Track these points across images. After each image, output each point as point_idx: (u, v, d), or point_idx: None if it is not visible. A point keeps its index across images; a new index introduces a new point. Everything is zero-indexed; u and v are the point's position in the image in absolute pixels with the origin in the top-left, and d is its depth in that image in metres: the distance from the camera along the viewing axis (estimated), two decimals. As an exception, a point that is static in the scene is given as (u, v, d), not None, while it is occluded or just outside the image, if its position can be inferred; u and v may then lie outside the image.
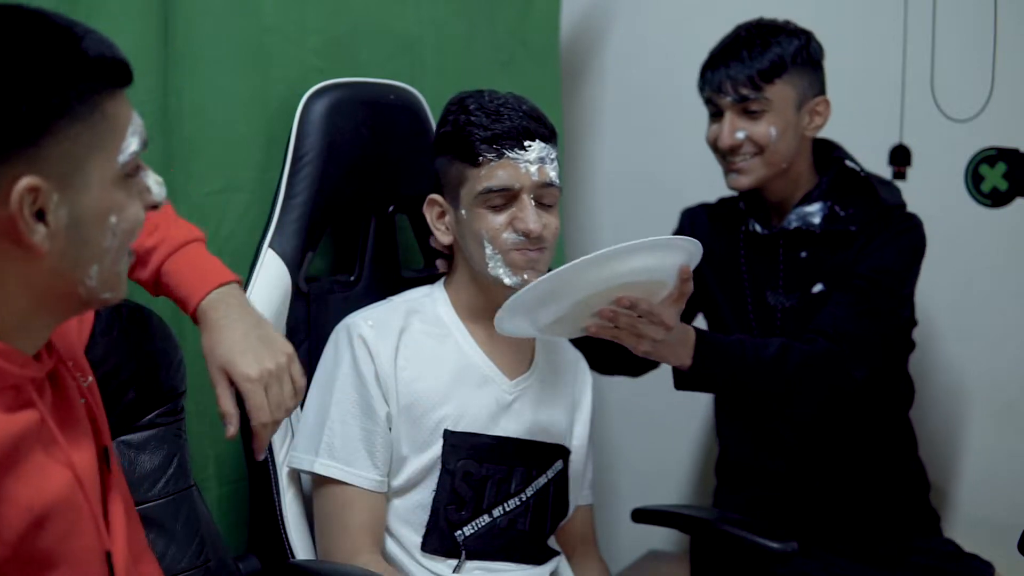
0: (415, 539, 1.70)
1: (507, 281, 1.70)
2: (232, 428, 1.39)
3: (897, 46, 2.36)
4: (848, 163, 2.07)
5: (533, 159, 1.68)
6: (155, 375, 1.43)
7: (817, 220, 2.03)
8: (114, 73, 1.08)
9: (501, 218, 1.69)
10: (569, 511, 1.86)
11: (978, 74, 2.29)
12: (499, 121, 1.68)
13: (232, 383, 1.40)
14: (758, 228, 2.10)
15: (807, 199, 2.05)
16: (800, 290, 2.05)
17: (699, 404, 2.59)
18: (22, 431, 1.05)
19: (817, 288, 2.03)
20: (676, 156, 2.67)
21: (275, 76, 1.86)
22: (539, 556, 1.80)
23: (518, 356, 1.80)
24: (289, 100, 1.83)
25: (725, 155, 2.04)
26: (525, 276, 1.70)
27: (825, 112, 2.06)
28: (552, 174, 1.71)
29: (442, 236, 1.77)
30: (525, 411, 1.78)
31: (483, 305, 1.76)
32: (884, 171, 2.37)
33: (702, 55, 2.61)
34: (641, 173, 2.71)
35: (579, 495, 1.90)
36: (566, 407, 1.85)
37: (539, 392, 1.80)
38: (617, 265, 1.60)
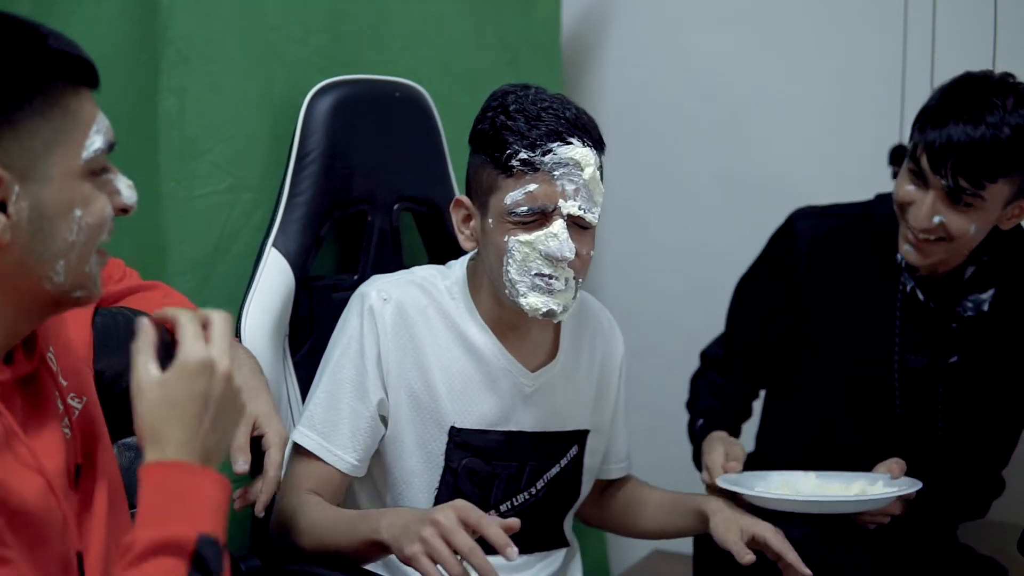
0: None
1: (525, 308, 1.56)
2: (246, 466, 1.38)
3: (897, 46, 2.36)
4: None
5: (572, 174, 1.52)
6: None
7: (987, 307, 1.87)
8: (76, 70, 1.08)
9: (529, 237, 1.53)
10: (582, 493, 1.78)
11: (978, 74, 2.29)
12: (538, 127, 1.52)
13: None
14: (920, 296, 1.88)
15: (980, 283, 1.87)
16: (931, 356, 1.90)
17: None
18: None
19: (953, 359, 1.90)
20: (677, 155, 2.67)
21: (280, 75, 1.86)
22: (545, 544, 1.75)
23: (540, 345, 1.70)
24: (294, 99, 1.84)
25: (909, 224, 1.78)
26: (544, 308, 1.55)
27: None
28: (582, 205, 1.53)
29: (465, 242, 1.62)
30: (545, 402, 1.69)
31: (503, 317, 1.65)
32: (884, 171, 2.37)
33: (702, 54, 2.62)
34: (641, 172, 2.71)
35: (607, 470, 1.84)
36: (591, 385, 1.77)
37: (563, 381, 1.71)
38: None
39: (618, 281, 2.71)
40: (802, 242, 1.95)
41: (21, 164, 1.03)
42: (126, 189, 1.13)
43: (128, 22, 1.70)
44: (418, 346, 1.63)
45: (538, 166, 1.51)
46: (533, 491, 1.71)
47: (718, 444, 1.82)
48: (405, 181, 1.95)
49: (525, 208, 1.52)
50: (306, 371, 1.79)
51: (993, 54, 2.27)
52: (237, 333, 1.68)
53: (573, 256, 1.53)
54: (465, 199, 1.62)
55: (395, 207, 1.95)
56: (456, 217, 1.63)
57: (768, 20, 2.54)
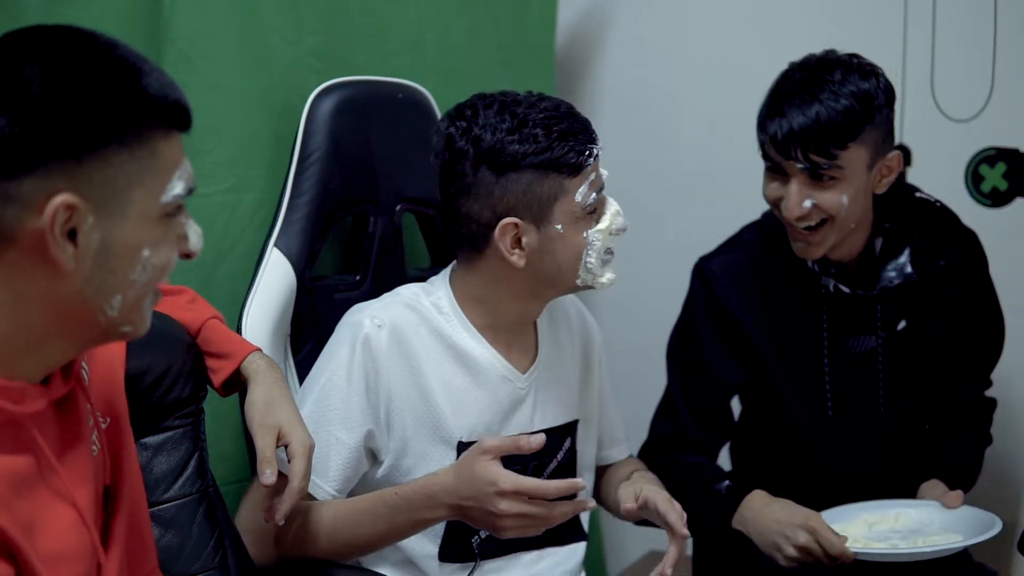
0: (432, 549, 1.67)
1: (605, 283, 1.67)
2: (273, 477, 1.38)
3: (897, 46, 2.36)
4: (919, 195, 1.98)
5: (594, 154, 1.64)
6: (177, 379, 1.43)
7: (910, 269, 1.92)
8: (171, 114, 1.07)
9: (603, 225, 1.64)
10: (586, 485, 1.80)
11: (978, 74, 2.29)
12: (571, 126, 1.61)
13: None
14: (845, 289, 1.92)
15: (893, 249, 1.92)
16: (884, 330, 1.94)
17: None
18: (13, 476, 1.03)
19: (901, 325, 1.94)
20: (673, 157, 2.67)
21: (279, 75, 1.86)
22: (559, 537, 1.76)
23: (526, 347, 1.75)
24: (294, 100, 1.83)
25: (786, 218, 1.83)
26: (615, 276, 1.68)
27: (896, 167, 1.85)
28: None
29: (518, 260, 1.62)
30: (537, 401, 1.74)
31: (495, 324, 1.69)
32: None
33: (700, 55, 2.63)
34: (638, 172, 2.71)
35: (606, 455, 1.90)
36: (576, 376, 1.82)
37: (548, 378, 1.76)
38: None
39: (617, 282, 2.70)
40: (723, 283, 1.94)
41: (100, 197, 1.03)
42: (194, 236, 1.13)
43: (131, 22, 1.69)
44: (416, 367, 1.64)
45: (593, 158, 1.62)
46: None
47: (818, 519, 1.76)
48: (407, 182, 1.95)
49: (594, 196, 1.62)
50: (307, 371, 1.79)
51: (993, 54, 2.28)
52: (238, 333, 1.67)
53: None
54: (515, 220, 1.60)
55: (397, 208, 1.95)
56: (505, 241, 1.61)
57: (766, 21, 2.54)
